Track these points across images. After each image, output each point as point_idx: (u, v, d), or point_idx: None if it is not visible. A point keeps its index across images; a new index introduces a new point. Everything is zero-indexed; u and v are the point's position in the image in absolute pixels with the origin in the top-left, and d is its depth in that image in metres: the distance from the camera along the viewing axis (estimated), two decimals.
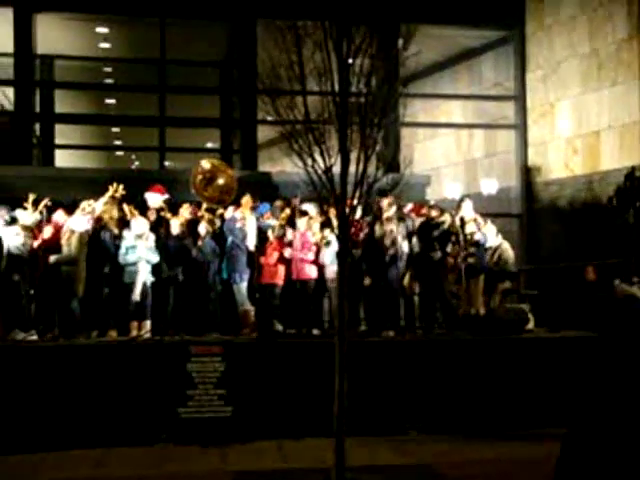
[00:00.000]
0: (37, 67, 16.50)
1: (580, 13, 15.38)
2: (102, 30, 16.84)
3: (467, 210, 12.57)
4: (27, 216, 11.36)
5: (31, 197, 11.46)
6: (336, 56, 8.45)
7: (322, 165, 8.47)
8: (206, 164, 11.99)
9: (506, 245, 12.80)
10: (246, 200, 12.13)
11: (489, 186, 15.99)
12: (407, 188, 10.60)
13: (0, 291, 11.00)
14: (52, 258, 11.19)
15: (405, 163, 9.69)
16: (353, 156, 8.55)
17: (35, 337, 10.97)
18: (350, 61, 8.51)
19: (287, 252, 11.76)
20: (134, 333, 11.27)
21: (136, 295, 11.24)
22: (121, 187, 11.85)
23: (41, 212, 11.48)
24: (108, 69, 18.70)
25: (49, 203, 11.59)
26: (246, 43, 15.80)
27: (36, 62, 16.25)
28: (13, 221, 11.32)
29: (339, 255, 8.76)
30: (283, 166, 15.52)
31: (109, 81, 19.29)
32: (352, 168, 8.54)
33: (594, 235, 14.45)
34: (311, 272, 11.76)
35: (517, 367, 11.24)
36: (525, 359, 11.33)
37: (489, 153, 17.92)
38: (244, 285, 11.77)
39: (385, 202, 11.79)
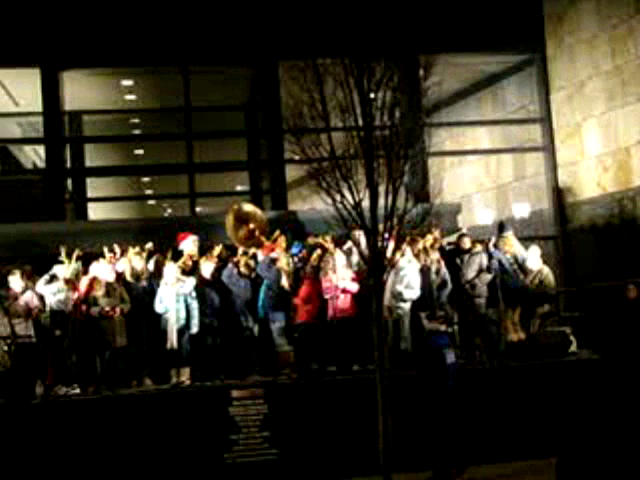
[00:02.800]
0: (66, 123, 16.74)
1: (600, 31, 15.29)
2: (127, 82, 17.09)
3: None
4: (65, 269, 11.49)
5: (63, 250, 11.60)
6: (358, 91, 8.51)
7: (351, 200, 8.49)
8: (244, 207, 12.10)
9: (547, 270, 12.64)
10: (280, 240, 12.16)
11: (521, 210, 15.87)
12: (438, 217, 10.58)
13: (44, 347, 11.09)
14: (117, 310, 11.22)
15: (434, 192, 9.69)
16: (381, 189, 8.56)
17: (78, 391, 11.01)
18: (372, 95, 8.56)
19: (326, 292, 11.63)
20: (174, 380, 11.27)
21: (171, 342, 11.23)
22: (150, 244, 12.05)
23: (76, 261, 11.61)
24: (135, 120, 18.93)
25: (80, 253, 11.71)
26: (269, 85, 15.94)
27: (65, 118, 16.49)
28: (53, 278, 11.43)
29: (374, 288, 8.71)
30: (313, 204, 15.53)
31: (137, 132, 19.52)
32: (381, 201, 8.53)
33: (631, 252, 14.24)
34: (349, 308, 11.65)
35: (566, 390, 11.12)
36: (572, 381, 11.21)
37: (519, 177, 17.80)
38: (281, 325, 11.73)
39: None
